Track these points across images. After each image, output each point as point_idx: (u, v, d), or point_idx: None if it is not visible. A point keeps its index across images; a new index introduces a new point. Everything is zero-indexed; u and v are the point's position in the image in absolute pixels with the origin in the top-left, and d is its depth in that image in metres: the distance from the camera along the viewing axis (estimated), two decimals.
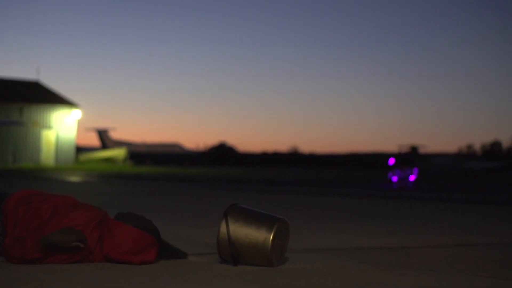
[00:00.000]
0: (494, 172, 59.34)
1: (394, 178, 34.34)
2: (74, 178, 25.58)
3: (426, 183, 30.26)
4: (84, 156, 54.62)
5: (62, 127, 49.13)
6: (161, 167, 52.44)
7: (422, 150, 50.80)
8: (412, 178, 34.52)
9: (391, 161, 36.22)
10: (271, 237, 4.31)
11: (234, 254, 4.32)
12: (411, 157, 37.28)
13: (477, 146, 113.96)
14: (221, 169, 53.91)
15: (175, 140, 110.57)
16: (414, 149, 48.14)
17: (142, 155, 68.81)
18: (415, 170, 35.11)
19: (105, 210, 4.52)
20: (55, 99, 50.12)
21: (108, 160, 55.72)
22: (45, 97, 50.07)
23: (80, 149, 57.94)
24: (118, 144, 65.62)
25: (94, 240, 4.26)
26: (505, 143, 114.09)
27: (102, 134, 66.83)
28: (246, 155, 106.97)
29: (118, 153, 57.73)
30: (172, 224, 7.00)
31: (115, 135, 69.35)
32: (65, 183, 21.38)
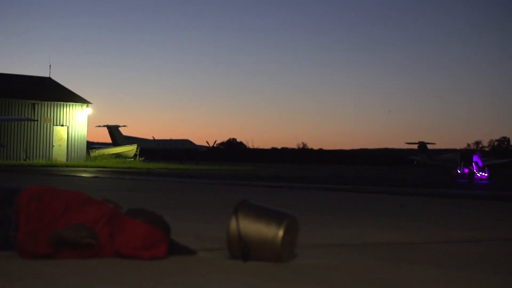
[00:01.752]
0: (500, 168, 59.29)
1: (457, 174, 38.37)
2: (85, 174, 25.67)
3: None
4: (95, 153, 54.72)
5: (73, 124, 49.26)
6: (171, 163, 52.52)
7: (430, 147, 51.20)
8: (484, 175, 38.79)
9: (457, 158, 40.64)
10: (280, 233, 4.33)
11: (244, 249, 4.34)
12: (470, 155, 40.62)
13: (485, 142, 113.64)
14: (231, 165, 53.94)
15: (185, 136, 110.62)
16: (422, 145, 48.98)
17: (153, 151, 68.85)
18: (474, 167, 38.65)
19: (116, 202, 4.53)
20: (67, 96, 50.21)
21: (119, 156, 55.77)
22: (57, 94, 50.16)
23: (90, 145, 58.07)
24: (129, 140, 65.75)
25: (105, 235, 4.30)
26: None
27: (113, 131, 66.97)
28: (256, 151, 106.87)
29: (129, 149, 57.78)
30: (182, 219, 7.04)
31: (125, 131, 69.53)
32: (77, 179, 21.47)
